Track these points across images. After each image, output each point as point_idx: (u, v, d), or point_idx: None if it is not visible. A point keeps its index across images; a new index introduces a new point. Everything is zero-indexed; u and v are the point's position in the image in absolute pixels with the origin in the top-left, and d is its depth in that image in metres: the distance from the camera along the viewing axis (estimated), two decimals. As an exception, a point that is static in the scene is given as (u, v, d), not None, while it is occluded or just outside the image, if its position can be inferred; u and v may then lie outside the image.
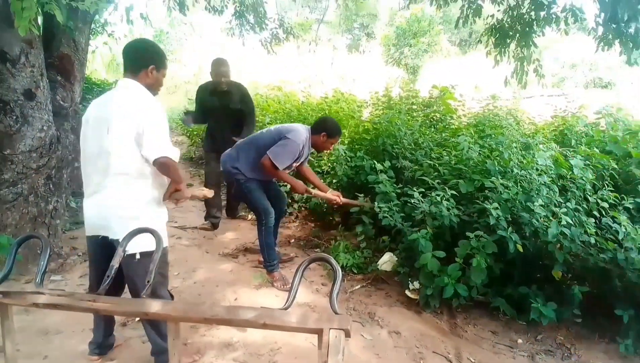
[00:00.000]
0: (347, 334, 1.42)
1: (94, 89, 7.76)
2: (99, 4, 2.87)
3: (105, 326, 2.45)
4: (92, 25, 5.61)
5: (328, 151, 3.92)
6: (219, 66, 4.45)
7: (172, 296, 2.44)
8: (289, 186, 3.87)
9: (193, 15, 16.32)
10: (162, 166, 2.06)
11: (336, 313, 1.47)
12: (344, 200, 3.81)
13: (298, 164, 3.57)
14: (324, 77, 17.75)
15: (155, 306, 1.56)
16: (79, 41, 4.24)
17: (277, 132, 3.46)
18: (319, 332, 1.42)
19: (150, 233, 1.73)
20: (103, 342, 2.46)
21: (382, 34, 20.28)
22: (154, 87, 2.20)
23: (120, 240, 1.95)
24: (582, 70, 19.22)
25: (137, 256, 2.07)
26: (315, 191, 3.73)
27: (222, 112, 4.49)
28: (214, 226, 4.69)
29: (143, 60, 2.13)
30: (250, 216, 4.98)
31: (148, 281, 1.65)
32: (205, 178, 4.81)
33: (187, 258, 3.86)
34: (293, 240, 4.46)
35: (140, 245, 2.05)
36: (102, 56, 13.99)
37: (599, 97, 11.13)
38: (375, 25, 30.43)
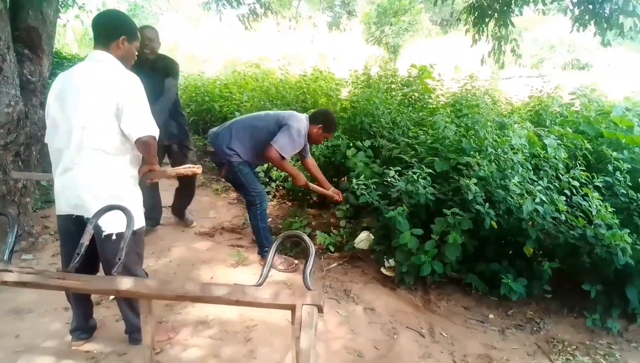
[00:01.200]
0: (320, 310, 1.43)
1: (64, 63, 7.49)
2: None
3: (84, 310, 2.39)
4: (61, -3, 5.40)
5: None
6: (144, 34, 3.41)
7: (147, 275, 2.41)
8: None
9: (168, -12, 15.88)
10: (145, 144, 1.99)
11: (309, 289, 1.48)
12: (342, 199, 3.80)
13: (298, 151, 3.49)
14: (304, 55, 17.57)
15: (126, 284, 1.54)
16: (46, 13, 4.07)
17: (276, 118, 3.35)
18: (292, 308, 1.43)
19: (121, 210, 1.70)
20: (85, 326, 2.41)
21: (363, 12, 20.05)
22: (126, 60, 2.11)
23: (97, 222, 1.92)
24: (560, 51, 19.45)
25: (114, 237, 2.03)
26: (315, 186, 3.68)
27: (150, 91, 3.89)
28: (154, 226, 3.96)
29: (114, 31, 2.04)
30: (194, 224, 4.22)
31: (119, 259, 1.63)
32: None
33: (162, 237, 3.82)
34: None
35: (117, 225, 2.02)
36: (73, 30, 13.54)
37: (576, 78, 11.28)
38: (357, 3, 30.09)
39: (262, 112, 3.63)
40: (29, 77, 3.87)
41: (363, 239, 3.63)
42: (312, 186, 3.66)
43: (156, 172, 2.23)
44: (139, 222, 2.16)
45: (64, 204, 2.08)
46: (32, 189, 3.69)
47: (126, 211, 1.67)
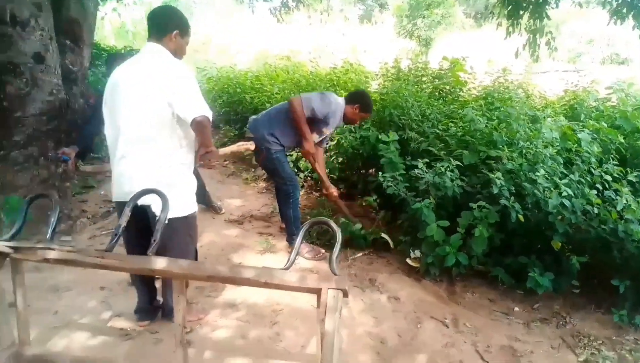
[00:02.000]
0: (345, 294, 1.47)
1: (103, 55, 7.75)
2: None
3: (148, 292, 2.51)
4: (101, -10, 5.59)
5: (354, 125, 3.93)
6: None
7: (197, 258, 2.51)
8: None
9: (203, -18, 16.11)
10: (200, 124, 2.02)
11: (335, 274, 1.53)
12: (339, 201, 3.90)
13: (328, 132, 3.53)
14: (334, 48, 17.54)
15: (160, 263, 1.62)
16: (87, 6, 4.25)
17: (307, 98, 3.36)
18: (317, 292, 1.47)
19: (157, 194, 1.79)
20: (149, 308, 2.53)
21: (395, 5, 19.85)
22: (177, 53, 2.20)
23: (151, 206, 2.04)
24: (599, 45, 18.78)
25: (167, 222, 2.11)
26: (318, 167, 3.68)
27: None
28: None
29: (167, 25, 2.14)
30: (223, 211, 4.38)
31: (154, 240, 1.72)
32: None
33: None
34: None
35: (171, 211, 2.10)
36: (111, 23, 13.93)
37: (615, 73, 10.91)
38: (389, -4, 29.81)
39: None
40: (70, 67, 4.06)
41: (384, 237, 3.64)
42: (316, 165, 3.64)
43: (213, 153, 2.30)
44: (191, 207, 2.28)
45: (119, 191, 2.17)
46: (71, 174, 3.87)
47: (162, 195, 1.76)
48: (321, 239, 3.70)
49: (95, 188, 4.70)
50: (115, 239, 1.70)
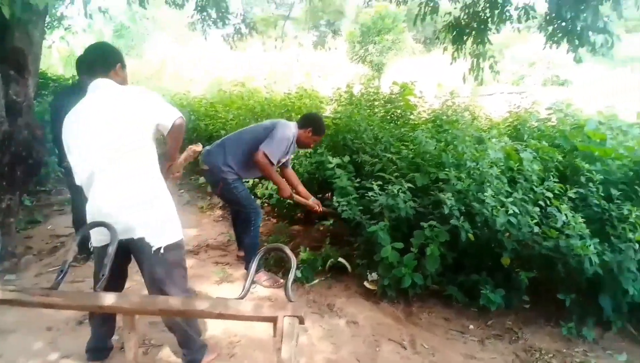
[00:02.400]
0: (301, 321, 1.47)
1: (50, 84, 7.52)
2: (50, 1, 2.79)
3: (107, 327, 2.38)
4: (48, 19, 5.45)
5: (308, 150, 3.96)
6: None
7: (195, 293, 2.40)
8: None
9: (155, 9, 16.01)
10: (180, 127, 2.05)
11: (290, 301, 1.52)
12: (323, 209, 3.86)
13: (285, 159, 3.55)
14: (289, 74, 17.77)
15: (109, 299, 1.57)
16: (33, 35, 4.11)
17: (263, 127, 3.43)
18: (273, 320, 1.46)
19: (104, 226, 1.75)
20: (103, 347, 2.39)
21: (347, 31, 20.40)
22: (123, 84, 2.19)
23: (145, 238, 2.00)
24: (540, 68, 19.90)
25: (162, 251, 2.05)
26: (298, 197, 3.70)
27: None
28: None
29: (110, 60, 2.16)
30: None
31: (103, 275, 1.67)
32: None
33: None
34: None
35: (166, 238, 2.06)
36: (58, 51, 13.57)
37: (555, 94, 11.57)
38: (342, 22, 30.58)
39: (251, 125, 3.70)
40: (14, 98, 3.90)
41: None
42: (296, 197, 3.69)
43: (175, 165, 2.27)
44: (179, 231, 2.19)
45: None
46: (16, 209, 3.70)
47: (110, 227, 1.72)
48: (280, 266, 3.67)
49: (41, 223, 4.50)
50: (62, 276, 1.63)
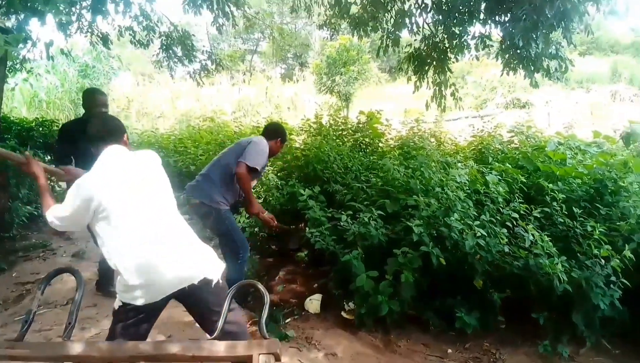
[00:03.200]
0: (277, 358, 1.45)
1: (12, 128, 7.34)
2: (9, 48, 2.75)
3: None
4: (10, 63, 5.39)
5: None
6: (97, 95, 3.65)
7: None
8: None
9: (120, 48, 15.99)
10: None
11: (265, 338, 1.50)
12: (277, 224, 3.77)
13: (262, 173, 3.57)
14: (258, 107, 17.91)
15: (77, 349, 1.51)
16: (-8, 79, 4.07)
17: (238, 146, 3.40)
18: (248, 359, 1.43)
19: (70, 272, 1.73)
20: None
21: (314, 63, 20.82)
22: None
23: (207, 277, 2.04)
24: (501, 92, 20.66)
25: (216, 282, 2.07)
26: (264, 216, 3.58)
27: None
28: None
29: (119, 132, 2.28)
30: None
31: (70, 323, 1.63)
32: None
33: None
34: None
35: (216, 271, 2.10)
36: (22, 93, 13.33)
37: (517, 117, 12.01)
38: (308, 55, 31.24)
39: (225, 150, 3.66)
40: (-27, 143, 3.80)
41: (316, 299, 3.61)
42: (262, 216, 3.56)
43: None
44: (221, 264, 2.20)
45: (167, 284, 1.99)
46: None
47: (76, 272, 1.70)
48: (254, 302, 3.61)
49: (6, 270, 4.31)
50: (27, 326, 1.58)
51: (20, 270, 4.33)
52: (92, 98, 3.61)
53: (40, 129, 7.01)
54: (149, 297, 1.97)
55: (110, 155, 2.16)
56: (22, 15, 4.02)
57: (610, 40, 28.29)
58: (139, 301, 1.95)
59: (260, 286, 1.69)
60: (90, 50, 15.41)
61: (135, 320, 2.00)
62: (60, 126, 4.12)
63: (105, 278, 3.64)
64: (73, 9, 5.00)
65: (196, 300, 2.08)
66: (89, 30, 6.22)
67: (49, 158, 6.93)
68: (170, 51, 6.99)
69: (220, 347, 1.48)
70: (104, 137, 2.26)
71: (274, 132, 3.60)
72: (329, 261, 3.75)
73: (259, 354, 1.42)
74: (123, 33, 6.70)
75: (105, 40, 6.24)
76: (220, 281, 2.10)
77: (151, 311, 2.02)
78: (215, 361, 1.56)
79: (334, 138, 5.54)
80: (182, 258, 2.00)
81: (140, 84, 21.16)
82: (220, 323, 1.68)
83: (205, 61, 7.41)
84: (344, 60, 17.10)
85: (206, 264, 2.08)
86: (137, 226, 1.98)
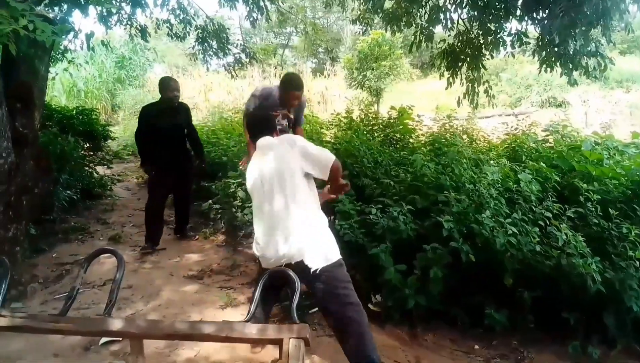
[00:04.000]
0: (307, 342, 1.49)
1: (54, 116, 7.65)
2: (56, 38, 2.89)
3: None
4: (52, 53, 5.60)
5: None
6: (171, 82, 4.58)
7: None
8: None
9: (155, 40, 16.33)
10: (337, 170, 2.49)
11: (296, 323, 1.55)
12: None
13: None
14: (289, 101, 17.97)
15: (116, 325, 1.60)
16: (38, 69, 4.24)
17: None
18: (279, 342, 1.48)
19: (112, 253, 1.83)
20: None
21: (345, 58, 20.75)
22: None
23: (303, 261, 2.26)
24: (537, 90, 20.15)
25: (318, 272, 2.23)
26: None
27: (172, 131, 4.60)
28: (154, 246, 4.60)
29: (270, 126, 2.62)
30: (198, 236, 5.10)
31: (111, 301, 1.72)
32: (150, 197, 4.70)
33: (150, 281, 3.85)
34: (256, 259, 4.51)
35: (321, 261, 2.26)
36: (62, 82, 13.80)
37: (553, 115, 11.73)
38: (339, 50, 31.14)
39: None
40: (20, 130, 3.99)
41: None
42: None
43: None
44: (335, 255, 2.35)
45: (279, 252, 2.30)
46: (22, 238, 3.74)
47: (117, 254, 1.78)
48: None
49: (46, 251, 4.52)
50: (70, 302, 1.67)
51: (60, 251, 4.53)
52: (167, 84, 4.50)
53: (80, 117, 7.27)
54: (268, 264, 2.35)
55: (264, 145, 2.55)
56: (65, 6, 4.18)
57: (652, 39, 27.18)
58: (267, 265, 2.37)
59: (291, 273, 1.74)
60: (127, 42, 15.82)
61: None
62: (140, 110, 4.73)
63: None
64: (113, 1, 5.16)
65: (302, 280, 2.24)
66: (129, 22, 6.42)
67: (89, 144, 7.20)
68: (206, 44, 7.12)
69: (252, 330, 1.52)
70: (261, 129, 2.63)
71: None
72: (357, 255, 3.78)
73: (290, 338, 1.46)
74: (161, 26, 6.88)
75: (143, 32, 6.41)
76: (318, 272, 2.22)
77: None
78: (247, 342, 1.63)
79: (365, 132, 5.56)
80: (287, 241, 2.28)
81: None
82: (252, 307, 1.74)
83: (240, 54, 7.51)
84: (376, 55, 16.97)
85: (308, 251, 2.24)
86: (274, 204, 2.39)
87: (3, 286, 1.61)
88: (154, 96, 17.73)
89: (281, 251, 2.27)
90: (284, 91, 3.53)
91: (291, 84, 3.55)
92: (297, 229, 2.29)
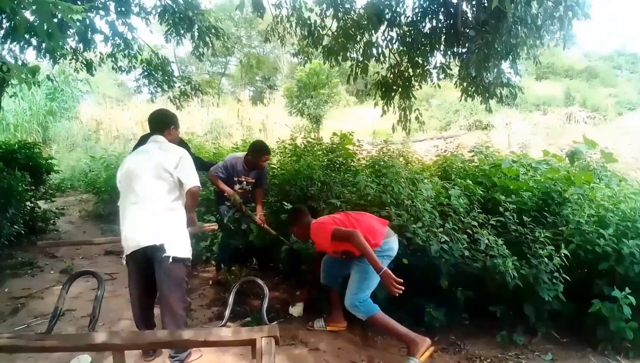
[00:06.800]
0: (277, 341, 1.74)
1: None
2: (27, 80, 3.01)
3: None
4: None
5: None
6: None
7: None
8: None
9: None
10: (194, 193, 2.82)
11: (266, 324, 1.82)
12: (266, 227, 4.40)
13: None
14: (230, 129, 18.18)
15: (101, 338, 1.78)
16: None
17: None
18: (252, 343, 1.73)
19: (91, 274, 2.06)
20: None
21: (285, 86, 21.34)
22: (173, 141, 2.95)
23: (164, 245, 2.70)
24: (464, 115, 21.67)
25: (170, 260, 2.67)
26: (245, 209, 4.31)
27: None
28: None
29: (166, 123, 2.94)
30: None
31: (94, 316, 1.92)
32: None
33: (109, 309, 3.92)
34: (210, 283, 4.68)
35: (176, 250, 2.70)
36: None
37: (478, 138, 12.75)
38: (277, 78, 31.77)
39: None
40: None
41: (298, 305, 3.93)
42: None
43: (193, 221, 2.98)
44: (188, 252, 2.82)
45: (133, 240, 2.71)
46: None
47: (97, 275, 2.01)
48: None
49: (-4, 286, 4.46)
50: (54, 320, 1.85)
51: (11, 286, 4.49)
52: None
53: (23, 151, 7.15)
54: (128, 247, 2.79)
55: (150, 141, 2.93)
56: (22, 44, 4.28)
57: (564, 65, 30.09)
58: (126, 250, 2.83)
59: (260, 281, 2.04)
60: (58, 72, 15.35)
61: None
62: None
63: None
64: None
65: (154, 262, 2.75)
66: (74, 57, 6.48)
67: (31, 179, 7.03)
68: (151, 77, 7.29)
69: (228, 333, 1.75)
70: (151, 126, 3.00)
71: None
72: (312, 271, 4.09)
73: (262, 337, 1.70)
74: (105, 60, 6.97)
75: (89, 66, 6.50)
76: (170, 260, 2.67)
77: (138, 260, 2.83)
78: (223, 345, 1.87)
79: (310, 157, 5.93)
80: (154, 226, 2.71)
81: (107, 107, 21.04)
82: (227, 313, 2.01)
83: (185, 86, 7.72)
84: (314, 84, 17.67)
85: (168, 239, 2.69)
86: (133, 199, 2.79)
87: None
88: (90, 127, 17.22)
89: (148, 233, 2.68)
90: (254, 155, 4.35)
91: (262, 151, 4.45)
92: (164, 220, 2.72)
